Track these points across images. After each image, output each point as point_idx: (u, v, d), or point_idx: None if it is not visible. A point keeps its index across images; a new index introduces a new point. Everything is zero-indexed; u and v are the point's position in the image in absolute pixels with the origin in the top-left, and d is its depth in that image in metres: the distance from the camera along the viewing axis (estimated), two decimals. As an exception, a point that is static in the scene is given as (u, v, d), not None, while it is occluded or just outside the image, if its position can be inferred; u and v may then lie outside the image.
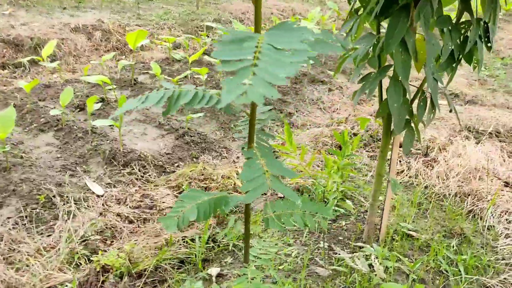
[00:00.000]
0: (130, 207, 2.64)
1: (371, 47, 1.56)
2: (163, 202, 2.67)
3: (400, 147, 1.96)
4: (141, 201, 2.71)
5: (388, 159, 1.84)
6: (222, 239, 2.13)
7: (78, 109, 3.81)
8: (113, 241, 2.26)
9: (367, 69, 1.97)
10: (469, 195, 2.35)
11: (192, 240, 2.16)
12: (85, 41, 5.90)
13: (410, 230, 2.04)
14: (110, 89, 4.33)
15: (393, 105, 1.50)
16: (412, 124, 1.72)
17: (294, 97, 4.80)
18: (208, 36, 6.71)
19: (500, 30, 8.33)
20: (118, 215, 2.47)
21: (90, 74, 4.74)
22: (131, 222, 2.47)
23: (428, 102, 1.66)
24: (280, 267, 1.81)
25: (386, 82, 1.55)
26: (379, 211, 2.18)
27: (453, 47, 1.51)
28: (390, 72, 1.59)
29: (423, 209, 2.26)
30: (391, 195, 1.91)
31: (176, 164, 3.20)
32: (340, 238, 1.97)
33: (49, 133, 3.34)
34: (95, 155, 3.07)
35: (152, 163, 3.09)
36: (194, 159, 3.28)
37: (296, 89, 5.04)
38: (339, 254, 1.85)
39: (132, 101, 1.04)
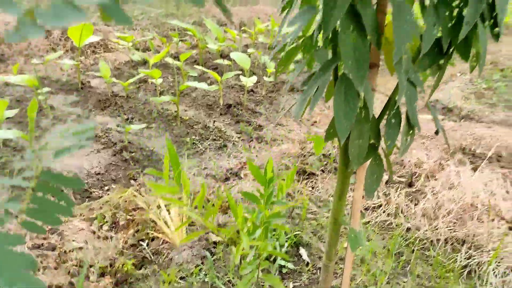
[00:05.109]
0: (28, 247, 2.04)
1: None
2: (73, 241, 2.07)
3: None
4: (45, 238, 2.11)
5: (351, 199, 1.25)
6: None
7: (6, 118, 3.22)
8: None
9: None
10: (464, 242, 1.76)
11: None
12: (41, 40, 5.32)
13: (381, 299, 1.46)
14: (52, 93, 3.75)
15: (342, 124, 0.92)
16: (381, 151, 1.14)
17: (267, 107, 4.23)
18: (181, 41, 6.14)
19: (497, 44, 7.86)
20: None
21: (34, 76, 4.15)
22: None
23: (404, 119, 1.09)
24: None
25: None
26: (342, 266, 1.60)
27: (440, 32, 0.94)
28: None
29: (403, 262, 1.67)
30: (354, 253, 1.32)
31: (106, 188, 2.61)
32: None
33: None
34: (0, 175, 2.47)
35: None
36: (132, 181, 2.69)
37: (271, 98, 4.48)
38: None
39: None
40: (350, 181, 1.27)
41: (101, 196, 2.47)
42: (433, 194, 2.01)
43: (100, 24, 6.12)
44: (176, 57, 5.38)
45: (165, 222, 1.97)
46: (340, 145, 1.17)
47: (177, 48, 5.63)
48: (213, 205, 2.15)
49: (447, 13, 0.96)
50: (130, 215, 2.24)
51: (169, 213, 1.95)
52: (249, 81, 3.76)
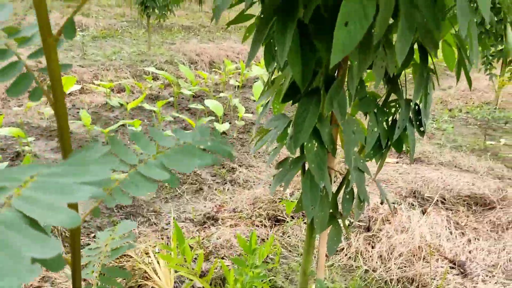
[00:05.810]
0: (22, 295, 2.20)
1: (284, 129, 1.29)
2: (65, 288, 2.25)
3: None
4: (39, 287, 2.26)
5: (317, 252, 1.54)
6: None
7: (-12, 166, 3.34)
8: None
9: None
10: (413, 281, 2.08)
11: None
12: (16, 83, 5.43)
13: (344, 336, 1.73)
14: (34, 140, 3.89)
15: (308, 205, 1.21)
16: (339, 218, 1.44)
17: (239, 149, 4.52)
18: (154, 80, 6.41)
19: (448, 77, 8.55)
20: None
21: (14, 122, 4.28)
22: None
23: (356, 194, 1.40)
24: None
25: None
26: (311, 307, 1.85)
27: (380, 133, 1.27)
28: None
29: (362, 301, 1.96)
30: (319, 298, 1.59)
31: (93, 235, 2.78)
32: None
33: None
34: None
35: (62, 234, 2.66)
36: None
37: (242, 139, 4.78)
38: None
39: None
40: (315, 238, 1.56)
41: (88, 244, 2.65)
42: (387, 238, 2.33)
43: (76, 66, 6.30)
44: (151, 98, 5.63)
45: (154, 270, 2.18)
46: (308, 220, 1.46)
47: (151, 89, 5.88)
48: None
49: (384, 119, 1.29)
50: (118, 262, 2.43)
51: (158, 262, 2.17)
52: (222, 128, 4.06)
